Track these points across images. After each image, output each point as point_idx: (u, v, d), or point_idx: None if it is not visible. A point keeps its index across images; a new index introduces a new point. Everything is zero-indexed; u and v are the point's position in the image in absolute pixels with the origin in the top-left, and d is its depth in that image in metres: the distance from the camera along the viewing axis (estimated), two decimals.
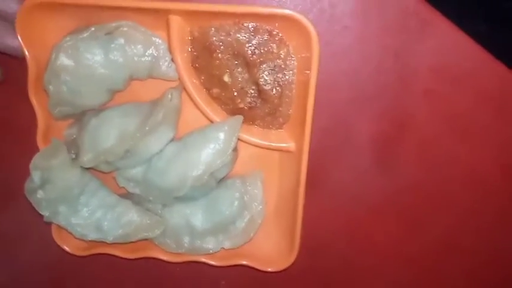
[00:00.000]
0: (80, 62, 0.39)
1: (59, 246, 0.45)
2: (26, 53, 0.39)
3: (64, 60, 0.38)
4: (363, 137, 0.45)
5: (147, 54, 0.40)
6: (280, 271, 0.45)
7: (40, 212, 0.41)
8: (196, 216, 0.45)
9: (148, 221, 0.43)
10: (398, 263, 0.48)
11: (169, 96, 0.40)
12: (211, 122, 0.42)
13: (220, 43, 0.40)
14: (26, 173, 0.41)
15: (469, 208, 0.47)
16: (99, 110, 0.42)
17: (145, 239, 0.44)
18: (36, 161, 0.39)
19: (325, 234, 0.47)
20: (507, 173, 0.45)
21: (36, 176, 0.39)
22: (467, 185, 0.46)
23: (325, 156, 0.45)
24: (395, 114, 0.44)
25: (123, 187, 0.44)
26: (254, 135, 0.42)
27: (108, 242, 0.43)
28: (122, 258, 0.46)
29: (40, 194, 0.40)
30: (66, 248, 0.46)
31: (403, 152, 0.45)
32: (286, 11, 0.37)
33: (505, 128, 0.44)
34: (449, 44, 0.42)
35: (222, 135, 0.40)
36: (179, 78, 0.41)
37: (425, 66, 0.42)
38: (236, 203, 0.44)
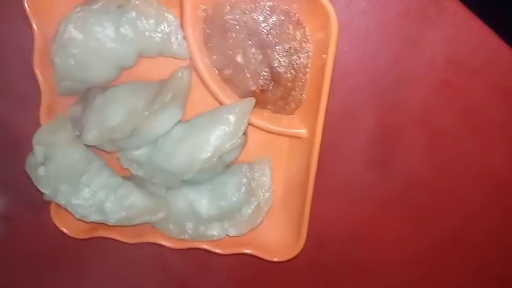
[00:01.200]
0: (89, 35, 0.38)
1: (57, 227, 0.44)
2: (34, 25, 0.38)
3: (73, 32, 0.37)
4: (375, 127, 0.44)
5: (158, 30, 0.38)
6: (285, 262, 0.44)
7: (40, 190, 0.40)
8: (202, 201, 0.43)
9: (151, 204, 0.42)
10: (404, 260, 0.48)
11: (180, 75, 0.39)
12: (221, 104, 0.41)
13: (235, 22, 0.38)
14: (26, 149, 0.40)
15: (478, 205, 0.46)
16: (105, 87, 0.41)
17: (148, 224, 0.43)
18: (39, 135, 0.38)
19: (329, 228, 0.46)
20: None
21: (38, 151, 0.38)
22: (478, 181, 0.45)
23: (335, 147, 0.44)
24: (408, 105, 0.43)
25: (127, 168, 0.43)
26: (265, 120, 0.41)
27: (109, 224, 0.42)
28: (122, 242, 0.44)
29: (41, 170, 0.39)
30: (65, 230, 0.44)
31: (413, 145, 0.44)
32: None
33: None
34: (468, 33, 0.41)
35: (232, 118, 0.39)
36: (190, 57, 0.40)
37: (443, 56, 0.41)
38: (243, 189, 0.43)
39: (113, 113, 0.39)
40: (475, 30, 0.41)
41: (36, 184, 0.40)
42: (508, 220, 0.46)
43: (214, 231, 0.43)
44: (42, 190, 0.40)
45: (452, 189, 0.45)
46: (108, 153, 0.43)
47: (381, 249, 0.47)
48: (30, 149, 0.39)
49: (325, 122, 0.39)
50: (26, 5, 0.37)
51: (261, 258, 0.44)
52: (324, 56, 0.38)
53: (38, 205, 0.44)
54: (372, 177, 0.45)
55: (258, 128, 0.41)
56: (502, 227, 0.46)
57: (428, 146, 0.44)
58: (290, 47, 0.39)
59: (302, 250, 0.43)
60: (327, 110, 0.39)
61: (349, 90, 0.43)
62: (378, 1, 0.40)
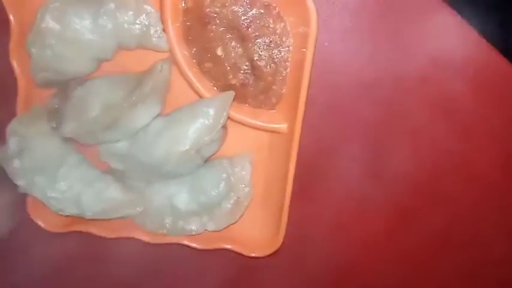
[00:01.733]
0: (66, 26, 0.37)
1: (33, 221, 0.44)
2: (10, 16, 0.37)
3: (50, 22, 0.37)
4: (357, 125, 0.44)
5: (137, 22, 0.38)
6: (265, 257, 0.44)
7: (15, 182, 0.39)
8: (180, 195, 0.43)
9: (129, 198, 0.42)
10: (388, 258, 0.48)
11: (159, 67, 0.39)
12: (201, 97, 0.41)
13: (215, 15, 0.38)
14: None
15: (463, 203, 0.46)
16: (84, 79, 0.40)
17: (126, 218, 0.43)
18: (13, 126, 0.38)
19: (312, 225, 0.46)
20: (503, 167, 0.45)
21: (12, 142, 0.37)
22: (462, 178, 0.45)
23: (317, 143, 0.44)
24: (391, 102, 0.43)
25: (106, 162, 0.42)
26: (245, 114, 0.41)
27: (86, 217, 0.41)
28: (99, 237, 0.44)
29: (16, 162, 0.38)
30: (41, 224, 0.44)
31: (396, 142, 0.44)
32: None
33: (502, 121, 0.43)
34: (449, 32, 0.41)
35: (211, 111, 0.39)
36: (170, 50, 0.40)
37: (424, 53, 0.42)
38: (223, 183, 0.43)
39: (92, 105, 0.39)
40: (456, 29, 0.41)
41: (10, 176, 0.39)
42: (493, 218, 0.46)
43: (193, 225, 0.43)
44: (17, 182, 0.39)
45: (436, 187, 0.46)
46: (89, 148, 0.42)
47: (364, 246, 0.47)
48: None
49: (307, 117, 0.39)
50: None
51: (240, 254, 0.44)
52: (304, 50, 0.38)
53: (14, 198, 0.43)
54: (355, 175, 0.45)
55: (238, 122, 0.41)
56: (487, 224, 0.47)
57: (410, 144, 0.44)
58: (270, 41, 0.39)
59: (285, 247, 0.43)
60: (307, 105, 0.39)
61: (332, 86, 0.43)
62: (354, 5, 0.40)
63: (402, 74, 0.42)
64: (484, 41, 0.41)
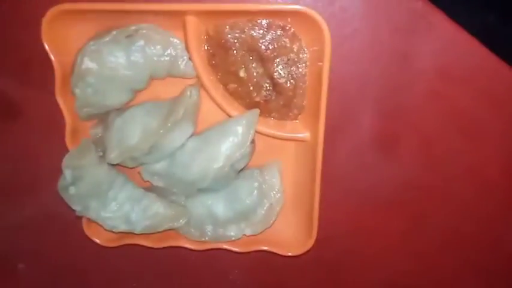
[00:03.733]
0: (103, 65, 0.41)
1: (89, 238, 0.48)
2: (52, 58, 0.41)
3: (89, 63, 0.40)
4: (368, 134, 0.46)
5: (165, 54, 0.42)
6: (296, 256, 0.47)
7: (72, 207, 0.44)
8: (218, 205, 0.47)
9: (173, 212, 0.46)
10: (404, 256, 0.50)
11: (188, 93, 0.42)
12: (229, 116, 0.44)
13: (235, 40, 0.41)
14: (54, 170, 0.44)
15: (470, 203, 0.48)
16: (122, 109, 0.44)
17: (171, 229, 0.47)
18: (67, 160, 0.42)
19: (332, 227, 0.49)
20: (507, 170, 0.47)
21: (68, 174, 0.42)
22: (469, 181, 0.48)
23: (335, 150, 0.47)
24: (401, 113, 0.46)
25: (148, 181, 0.46)
26: (270, 127, 0.44)
27: (136, 232, 0.46)
28: (146, 247, 0.48)
29: (72, 190, 0.43)
30: (97, 240, 0.48)
31: (407, 149, 0.47)
32: (298, 7, 0.39)
33: (506, 126, 0.45)
34: (454, 45, 0.43)
35: (240, 129, 0.42)
36: (197, 76, 0.43)
37: (431, 67, 0.44)
38: (255, 192, 0.46)
39: (131, 133, 0.43)
40: (461, 42, 0.43)
41: (68, 203, 0.44)
42: (499, 216, 0.49)
43: (232, 232, 0.47)
44: (74, 208, 0.44)
45: (445, 189, 0.48)
46: (130, 168, 0.47)
47: (381, 245, 0.50)
48: (58, 172, 0.44)
49: (326, 126, 0.42)
50: (44, 41, 0.41)
51: (276, 254, 0.48)
52: (320, 64, 0.40)
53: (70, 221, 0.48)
54: (371, 179, 0.48)
55: (265, 135, 0.44)
56: (494, 223, 0.49)
57: (421, 150, 0.47)
58: (288, 59, 0.42)
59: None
60: (326, 114, 0.42)
61: (346, 100, 0.45)
62: (368, 19, 0.43)
63: (411, 87, 0.45)
64: (487, 51, 0.43)
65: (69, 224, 0.49)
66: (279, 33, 0.41)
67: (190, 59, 0.42)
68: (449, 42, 0.43)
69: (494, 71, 0.43)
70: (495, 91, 0.44)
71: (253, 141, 0.44)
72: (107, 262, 0.52)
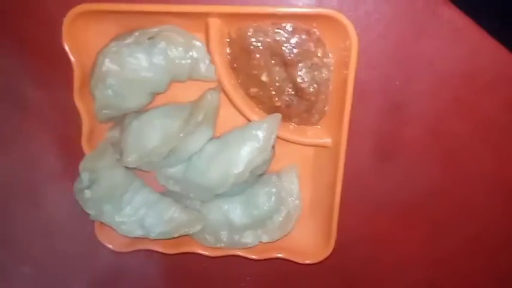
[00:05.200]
0: (124, 67, 0.40)
1: (101, 243, 0.47)
2: (72, 59, 0.40)
3: (109, 65, 0.40)
4: (390, 141, 0.46)
5: (187, 56, 0.41)
6: (313, 265, 0.46)
7: (87, 211, 0.43)
8: (235, 211, 0.46)
9: (188, 218, 0.45)
10: (422, 265, 0.50)
11: (209, 97, 0.42)
12: (249, 120, 0.43)
13: (259, 44, 0.41)
14: (68, 173, 0.43)
15: (491, 211, 0.48)
16: (140, 112, 0.44)
17: (186, 235, 0.46)
18: (85, 162, 0.41)
19: (349, 234, 0.48)
20: None
21: (85, 176, 0.41)
22: (491, 189, 0.47)
23: (354, 157, 0.46)
24: (424, 120, 0.45)
25: (163, 185, 0.45)
26: (291, 133, 0.44)
27: (151, 238, 0.45)
28: (159, 253, 0.47)
29: (87, 193, 0.42)
30: (110, 246, 0.47)
31: (430, 157, 0.46)
32: (326, 10, 0.38)
33: None
34: (480, 52, 0.43)
35: (261, 134, 0.42)
36: (218, 79, 0.42)
37: (456, 73, 0.43)
38: (273, 198, 0.45)
39: (150, 136, 0.42)
40: (487, 48, 0.42)
41: (82, 206, 0.43)
42: None
43: (248, 239, 0.46)
44: (88, 211, 0.43)
45: (469, 197, 0.47)
46: (145, 172, 0.46)
47: (399, 254, 0.49)
48: (71, 174, 0.43)
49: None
50: (64, 42, 0.40)
51: (292, 261, 0.47)
52: (345, 72, 0.40)
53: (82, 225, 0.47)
54: (392, 187, 0.47)
55: (286, 140, 0.44)
56: None
57: (445, 157, 0.46)
58: (312, 64, 0.41)
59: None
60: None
61: (368, 106, 0.45)
62: (394, 24, 0.42)
63: (436, 94, 0.44)
64: None
65: (81, 228, 0.48)
66: (303, 37, 0.40)
67: (211, 62, 0.42)
68: (475, 48, 0.42)
69: None
70: None
71: (273, 147, 0.43)
72: (118, 268, 0.51)
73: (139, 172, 0.46)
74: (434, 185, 0.47)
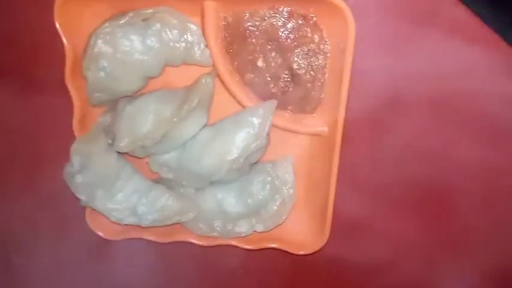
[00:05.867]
0: (117, 48, 0.39)
1: (92, 231, 0.46)
2: (64, 40, 0.39)
3: (102, 46, 0.39)
4: (387, 130, 0.45)
5: (182, 40, 0.40)
6: (305, 256, 0.46)
7: (77, 196, 0.42)
8: (229, 200, 0.45)
9: (181, 205, 0.44)
10: (418, 257, 0.49)
11: (204, 81, 0.41)
12: (244, 107, 0.43)
13: (255, 28, 0.40)
14: (59, 157, 0.42)
15: (488, 207, 0.47)
16: (133, 96, 0.43)
17: (178, 223, 0.45)
18: (76, 146, 0.40)
19: (343, 225, 0.47)
20: None
21: (76, 160, 0.40)
22: (487, 184, 0.47)
23: (348, 146, 0.45)
24: (422, 111, 0.45)
25: (156, 172, 0.45)
26: (287, 120, 0.43)
27: (143, 226, 0.44)
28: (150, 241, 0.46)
29: (78, 178, 0.41)
30: (100, 233, 0.47)
31: (428, 148, 0.46)
32: None
33: None
34: (478, 42, 0.42)
35: (256, 120, 0.41)
36: (213, 64, 0.42)
37: (453, 64, 0.43)
38: (268, 186, 0.45)
39: (143, 121, 0.41)
40: (485, 39, 0.42)
41: (73, 191, 0.42)
42: None
43: (242, 228, 0.45)
44: (80, 196, 0.42)
45: (465, 189, 0.47)
46: (138, 159, 0.45)
47: (395, 245, 0.49)
48: (63, 158, 0.42)
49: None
50: (56, 22, 0.39)
51: (286, 252, 0.46)
52: (342, 59, 0.39)
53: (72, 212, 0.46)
54: (388, 177, 0.47)
55: (281, 128, 0.43)
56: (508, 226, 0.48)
57: (439, 149, 0.46)
58: (309, 50, 0.41)
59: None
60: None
61: (365, 94, 0.44)
62: (391, 13, 0.42)
63: (433, 83, 0.44)
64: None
65: (71, 215, 0.47)
66: (300, 23, 0.40)
67: (207, 46, 0.41)
68: (474, 40, 0.42)
69: None
70: None
71: (268, 134, 0.43)
72: (110, 256, 0.50)
73: (132, 159, 0.45)
74: (430, 176, 0.46)
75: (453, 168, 0.46)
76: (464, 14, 0.41)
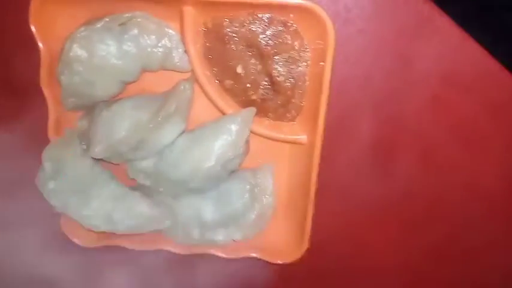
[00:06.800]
0: (93, 53, 0.39)
1: (68, 238, 0.45)
2: (40, 44, 0.39)
3: (77, 50, 0.38)
4: (367, 139, 0.45)
5: (160, 45, 0.40)
6: (287, 265, 0.45)
7: (51, 203, 0.41)
8: (207, 208, 0.45)
9: (158, 213, 0.43)
10: (399, 267, 0.49)
11: (182, 87, 0.40)
12: (223, 114, 0.42)
13: (234, 34, 0.40)
14: (35, 164, 0.41)
15: (467, 215, 0.47)
16: (110, 101, 0.42)
17: (156, 231, 0.44)
18: (48, 151, 0.39)
19: (325, 234, 0.47)
20: (507, 181, 0.46)
21: (48, 166, 0.39)
22: (467, 192, 0.47)
23: (331, 155, 0.45)
24: (401, 119, 0.44)
25: (133, 179, 0.44)
26: (266, 128, 0.43)
27: (118, 233, 0.43)
28: (130, 250, 0.46)
29: (51, 184, 0.40)
30: (76, 241, 0.46)
31: (406, 156, 0.45)
32: (302, 2, 0.37)
33: (508, 136, 0.45)
34: (460, 51, 0.42)
35: (234, 127, 0.40)
36: (192, 70, 0.41)
37: (435, 73, 0.43)
38: (247, 195, 0.44)
39: (119, 127, 0.40)
40: (467, 48, 0.42)
41: (46, 198, 0.41)
42: (498, 228, 0.48)
43: (220, 236, 0.44)
44: (53, 204, 0.41)
45: (442, 200, 0.47)
46: (115, 165, 0.44)
47: (376, 255, 0.49)
48: (38, 163, 0.41)
49: (323, 129, 0.41)
50: (31, 25, 0.38)
51: (265, 261, 0.45)
52: (322, 63, 0.39)
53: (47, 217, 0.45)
54: (368, 186, 0.46)
55: (260, 135, 0.43)
56: (491, 237, 0.48)
57: (419, 158, 0.46)
58: (289, 57, 0.40)
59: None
60: (325, 117, 0.40)
61: (345, 103, 0.44)
62: (374, 20, 0.41)
63: (414, 92, 0.44)
64: (492, 59, 0.42)
65: (46, 222, 0.46)
66: (280, 29, 0.39)
67: (185, 51, 0.40)
68: (454, 48, 0.42)
69: (498, 79, 0.43)
70: (498, 100, 0.43)
71: (247, 142, 0.42)
72: (85, 264, 0.49)
73: (109, 165, 0.44)
74: (410, 184, 0.46)
75: (435, 177, 0.46)
76: (444, 21, 0.41)
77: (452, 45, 0.42)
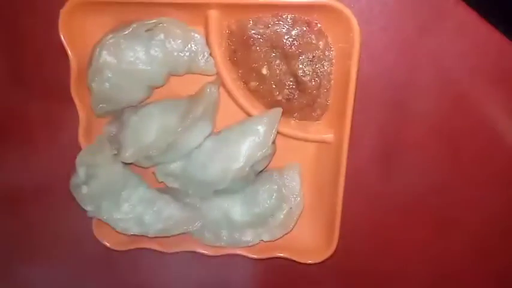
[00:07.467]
0: (121, 59, 0.39)
1: (99, 241, 0.46)
2: (69, 52, 0.40)
3: (107, 57, 0.39)
4: (393, 137, 0.45)
5: (186, 49, 0.40)
6: (315, 264, 0.45)
7: (84, 207, 0.42)
8: (235, 209, 0.45)
9: (187, 215, 0.44)
10: (427, 267, 0.48)
11: (208, 90, 0.41)
12: (249, 115, 0.42)
13: (259, 36, 0.40)
14: (65, 169, 0.42)
15: (499, 211, 0.46)
16: (138, 106, 0.43)
17: (185, 233, 0.45)
18: (82, 157, 0.40)
19: (351, 233, 0.46)
20: None
21: (81, 171, 0.40)
22: (497, 189, 0.46)
23: (355, 154, 0.44)
24: (428, 116, 0.44)
25: (162, 182, 0.44)
26: (292, 128, 0.43)
27: (149, 236, 0.44)
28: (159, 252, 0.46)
29: (84, 189, 0.41)
30: (107, 243, 0.46)
31: (434, 154, 0.45)
32: (327, 1, 0.37)
33: None
34: (486, 46, 0.41)
35: (261, 128, 0.41)
36: (217, 73, 0.41)
37: (460, 69, 0.42)
38: (274, 195, 0.44)
39: (148, 131, 0.41)
40: (492, 43, 0.41)
41: (79, 202, 0.42)
42: None
43: (249, 237, 0.45)
44: (86, 208, 0.42)
45: (473, 197, 0.46)
46: (143, 168, 0.45)
47: (402, 256, 0.48)
48: (69, 169, 0.42)
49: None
50: (61, 34, 0.39)
51: (294, 261, 0.45)
52: (348, 65, 0.39)
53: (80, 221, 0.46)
54: (394, 185, 0.46)
55: (286, 135, 0.43)
56: None
57: (448, 155, 0.45)
58: (313, 56, 0.40)
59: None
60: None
61: (370, 101, 0.44)
62: (396, 17, 0.41)
63: (440, 90, 0.43)
64: None
65: (78, 225, 0.47)
66: (304, 29, 0.39)
67: (211, 55, 0.41)
68: (480, 43, 0.41)
69: None
70: None
71: (274, 142, 0.42)
72: (115, 266, 0.50)
73: (137, 169, 0.45)
74: (438, 183, 0.45)
75: (463, 175, 0.45)
76: (469, 16, 0.41)
77: (477, 40, 0.41)
